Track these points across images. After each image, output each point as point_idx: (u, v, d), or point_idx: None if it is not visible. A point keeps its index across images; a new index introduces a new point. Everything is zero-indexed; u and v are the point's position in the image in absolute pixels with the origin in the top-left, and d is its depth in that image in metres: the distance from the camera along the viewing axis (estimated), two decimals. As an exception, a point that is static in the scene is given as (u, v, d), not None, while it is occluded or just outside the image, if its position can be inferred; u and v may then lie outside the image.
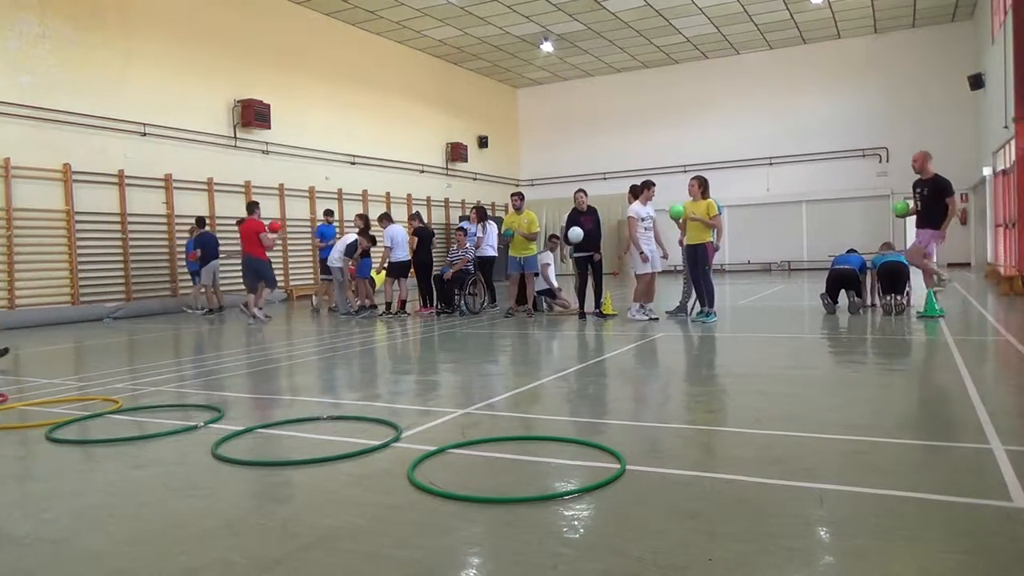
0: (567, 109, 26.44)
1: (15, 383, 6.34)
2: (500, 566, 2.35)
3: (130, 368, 7.29)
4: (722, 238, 11.77)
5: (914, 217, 9.20)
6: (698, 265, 9.30)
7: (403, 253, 11.69)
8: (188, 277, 14.75)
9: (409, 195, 21.26)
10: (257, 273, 11.68)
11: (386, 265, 11.81)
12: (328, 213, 14.44)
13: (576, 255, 10.14)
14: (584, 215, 10.03)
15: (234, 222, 13.48)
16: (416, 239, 11.92)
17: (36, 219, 12.44)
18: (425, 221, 12.63)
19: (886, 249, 9.93)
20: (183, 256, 14.59)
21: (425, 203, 21.65)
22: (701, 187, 9.37)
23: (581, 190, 10.37)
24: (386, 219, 12.09)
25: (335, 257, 12.10)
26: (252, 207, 12.06)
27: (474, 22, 19.58)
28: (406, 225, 12.36)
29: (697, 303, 9.49)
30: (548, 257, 11.41)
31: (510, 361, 6.98)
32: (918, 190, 8.93)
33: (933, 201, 8.74)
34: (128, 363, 7.83)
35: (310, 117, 18.00)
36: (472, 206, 17.07)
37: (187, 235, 14.10)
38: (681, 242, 9.85)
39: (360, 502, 2.97)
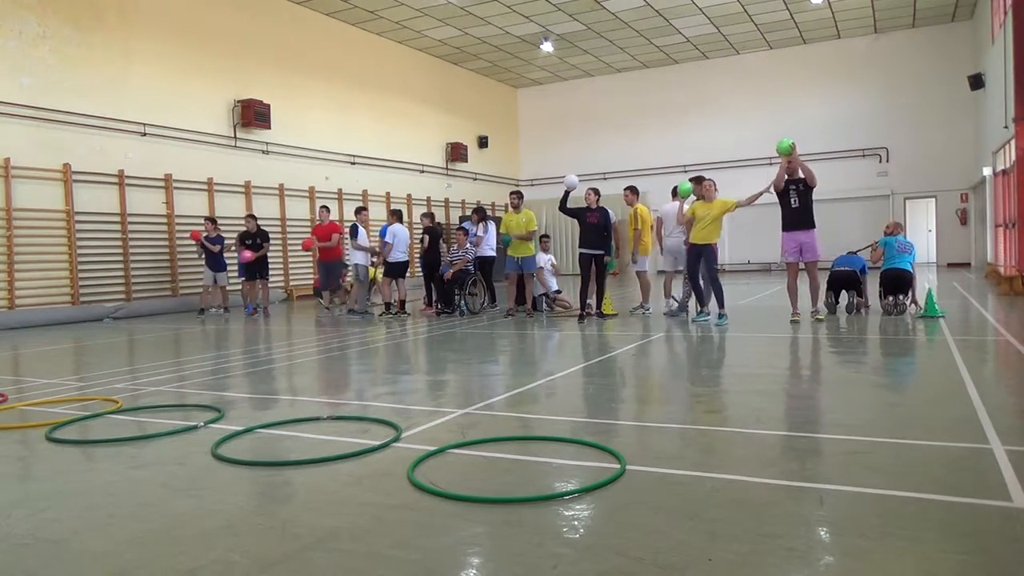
0: (567, 109, 26.44)
1: (15, 383, 6.34)
2: (500, 566, 2.35)
3: (130, 368, 7.29)
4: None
5: (777, 219, 9.09)
6: (706, 265, 9.21)
7: (401, 253, 11.71)
8: (190, 278, 14.77)
9: (409, 195, 21.26)
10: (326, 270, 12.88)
11: (383, 263, 11.88)
12: (395, 213, 14.41)
13: (581, 250, 9.93)
14: (591, 212, 9.86)
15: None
16: (427, 238, 11.97)
17: (36, 219, 12.44)
18: (436, 220, 12.75)
19: (896, 230, 9.79)
20: (184, 256, 14.59)
21: (425, 203, 21.64)
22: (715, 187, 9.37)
23: (593, 189, 10.21)
24: (393, 216, 12.19)
25: (357, 255, 12.23)
26: (327, 211, 13.20)
27: (474, 22, 19.58)
28: (420, 223, 12.51)
29: (697, 303, 9.47)
30: (543, 259, 11.36)
31: (510, 361, 6.98)
32: (793, 187, 8.78)
33: (808, 198, 8.75)
34: (128, 363, 7.83)
35: (310, 117, 18.00)
36: (473, 207, 17.04)
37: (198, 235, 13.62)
38: (686, 242, 9.76)
39: (360, 502, 2.97)
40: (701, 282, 9.40)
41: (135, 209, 13.95)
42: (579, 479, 3.18)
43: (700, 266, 9.34)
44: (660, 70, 24.94)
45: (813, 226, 8.79)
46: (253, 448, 3.88)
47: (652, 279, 11.11)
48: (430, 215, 12.83)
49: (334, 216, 17.99)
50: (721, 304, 9.14)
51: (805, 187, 8.69)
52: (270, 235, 13.66)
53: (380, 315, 11.69)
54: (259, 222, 13.56)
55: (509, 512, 2.78)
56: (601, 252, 9.87)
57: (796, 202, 8.73)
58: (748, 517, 2.64)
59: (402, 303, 11.74)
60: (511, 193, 11.51)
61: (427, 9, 18.39)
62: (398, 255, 11.68)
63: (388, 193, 20.36)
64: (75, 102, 12.99)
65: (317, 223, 13.36)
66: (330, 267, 12.86)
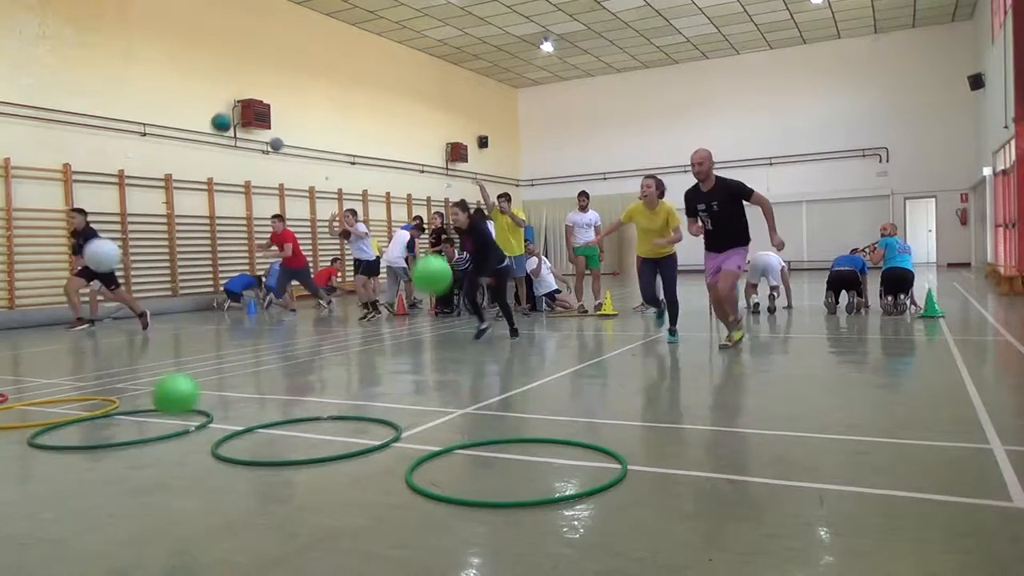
0: (567, 109, 26.43)
1: (15, 383, 6.34)
2: (500, 567, 2.35)
3: (130, 368, 7.29)
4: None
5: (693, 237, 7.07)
6: (664, 281, 7.45)
7: (369, 252, 11.79)
8: (190, 277, 14.79)
9: (409, 195, 21.25)
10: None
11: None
12: (417, 218, 15.01)
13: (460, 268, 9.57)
14: (464, 234, 8.50)
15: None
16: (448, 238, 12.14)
17: (36, 219, 12.43)
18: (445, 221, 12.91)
19: (892, 231, 9.80)
20: (184, 256, 14.59)
21: (425, 203, 21.64)
22: (659, 189, 7.35)
23: (455, 205, 8.56)
24: (352, 215, 12.12)
25: (395, 256, 12.52)
26: (281, 220, 12.89)
27: (474, 22, 19.58)
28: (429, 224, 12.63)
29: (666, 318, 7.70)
30: (533, 263, 11.38)
31: (510, 361, 6.98)
32: (702, 207, 6.61)
33: (731, 212, 6.55)
34: (128, 363, 7.83)
35: (310, 117, 17.99)
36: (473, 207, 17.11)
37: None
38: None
39: (360, 502, 2.97)
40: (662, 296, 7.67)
41: (135, 209, 13.94)
42: (580, 480, 3.18)
43: (658, 281, 7.54)
44: (660, 70, 24.94)
45: (739, 243, 6.65)
46: (253, 448, 3.88)
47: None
48: (439, 215, 12.96)
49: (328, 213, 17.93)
50: (674, 321, 7.44)
51: (724, 201, 6.51)
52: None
53: (360, 318, 11.24)
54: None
55: (509, 513, 2.78)
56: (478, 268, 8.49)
57: (711, 224, 6.64)
58: (748, 517, 2.64)
59: (374, 303, 11.45)
60: (499, 196, 11.14)
61: (427, 9, 18.39)
62: (368, 254, 11.75)
63: (388, 193, 20.35)
64: (75, 102, 12.98)
65: (272, 232, 12.79)
66: (295, 274, 12.67)
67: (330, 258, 17.51)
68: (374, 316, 11.27)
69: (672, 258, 7.46)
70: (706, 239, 6.78)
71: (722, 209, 6.49)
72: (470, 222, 8.32)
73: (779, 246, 6.51)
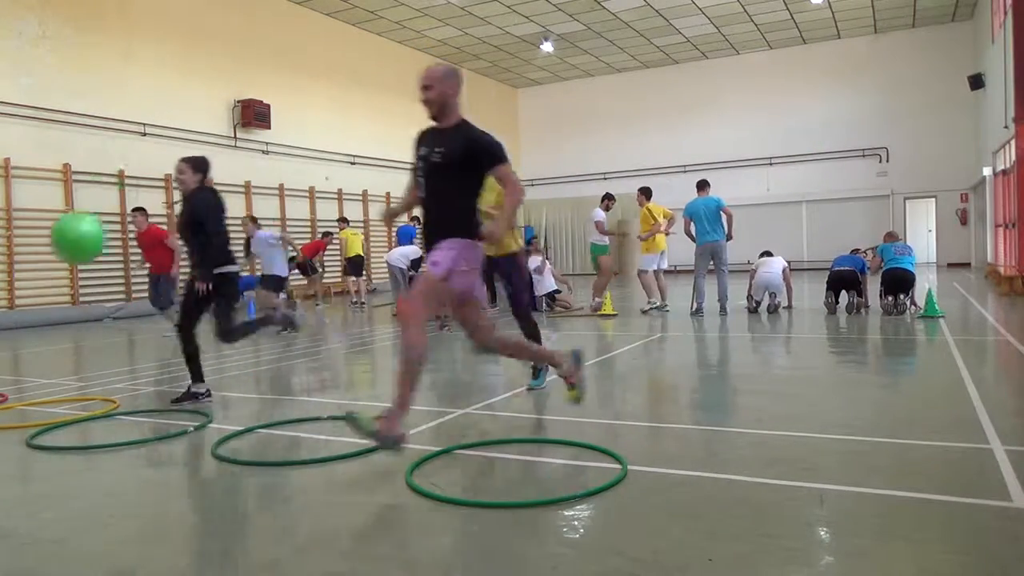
0: (567, 109, 26.42)
1: (15, 383, 6.34)
2: (500, 567, 2.35)
3: (130, 368, 7.29)
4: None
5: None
6: (516, 288, 5.26)
7: (280, 269, 9.88)
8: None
9: (409, 195, 21.24)
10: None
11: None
12: (415, 219, 14.75)
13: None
14: (183, 202, 5.55)
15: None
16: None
17: (36, 219, 12.43)
18: None
19: (891, 239, 9.81)
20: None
21: (425, 203, 21.64)
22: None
23: (184, 160, 5.50)
24: (253, 222, 10.31)
25: (396, 257, 12.52)
26: (143, 213, 10.22)
27: (474, 22, 19.58)
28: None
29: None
30: (536, 261, 11.39)
31: (509, 361, 6.97)
32: (420, 156, 3.81)
33: (458, 177, 3.79)
34: (128, 363, 7.83)
35: (310, 117, 18.00)
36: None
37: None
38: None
39: (360, 502, 2.97)
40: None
41: (135, 209, 13.95)
42: (580, 480, 3.18)
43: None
44: (660, 70, 24.93)
45: (456, 234, 3.68)
46: (253, 448, 3.88)
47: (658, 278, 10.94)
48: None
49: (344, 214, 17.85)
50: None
51: (450, 157, 3.75)
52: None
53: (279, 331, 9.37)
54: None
55: (509, 513, 2.78)
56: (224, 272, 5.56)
57: (423, 189, 3.80)
58: (748, 517, 2.64)
59: (261, 321, 9.53)
60: None
61: (427, 9, 18.40)
62: (278, 268, 9.83)
63: (388, 193, 20.34)
64: (75, 102, 12.98)
65: (139, 231, 10.28)
66: (160, 280, 10.34)
67: (322, 231, 16.64)
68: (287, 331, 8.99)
69: (514, 259, 5.26)
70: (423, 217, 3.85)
71: (444, 163, 3.72)
72: (194, 189, 5.47)
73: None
